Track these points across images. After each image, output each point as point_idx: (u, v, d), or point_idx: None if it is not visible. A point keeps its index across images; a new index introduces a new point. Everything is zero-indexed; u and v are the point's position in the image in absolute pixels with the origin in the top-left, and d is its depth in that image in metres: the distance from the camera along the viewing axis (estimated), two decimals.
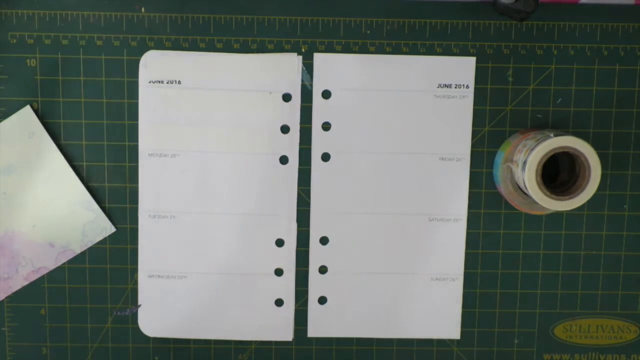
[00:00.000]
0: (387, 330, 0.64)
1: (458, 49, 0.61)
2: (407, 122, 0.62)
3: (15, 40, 0.60)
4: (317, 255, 0.63)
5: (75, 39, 0.60)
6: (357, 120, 0.62)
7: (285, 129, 0.61)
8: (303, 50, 0.61)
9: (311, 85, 0.61)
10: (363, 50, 0.61)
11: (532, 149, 0.55)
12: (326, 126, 0.62)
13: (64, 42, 0.60)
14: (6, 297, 0.63)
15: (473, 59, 0.61)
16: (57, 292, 0.63)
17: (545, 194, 0.55)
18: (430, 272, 0.63)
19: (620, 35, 0.61)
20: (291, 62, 0.61)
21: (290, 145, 0.62)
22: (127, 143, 0.62)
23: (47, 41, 0.60)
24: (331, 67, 0.61)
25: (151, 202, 0.62)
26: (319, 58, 0.61)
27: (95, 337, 0.64)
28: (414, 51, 0.61)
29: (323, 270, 0.63)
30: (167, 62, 0.60)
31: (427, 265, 0.63)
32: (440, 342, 0.65)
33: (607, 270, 0.64)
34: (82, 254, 0.63)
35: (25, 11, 0.60)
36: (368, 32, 0.61)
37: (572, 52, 0.61)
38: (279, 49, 0.61)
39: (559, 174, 0.60)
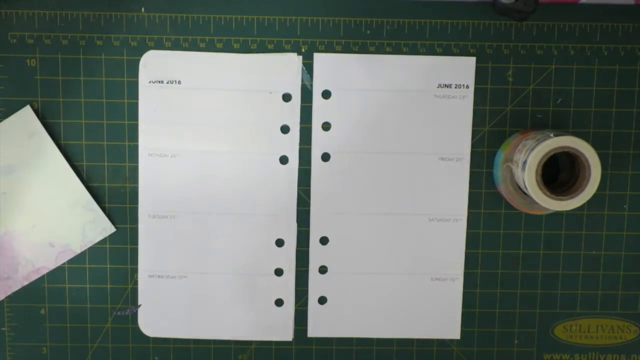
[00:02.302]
0: (387, 330, 0.64)
1: (458, 49, 0.61)
2: (407, 122, 0.62)
3: (15, 40, 0.60)
4: (317, 255, 0.63)
5: (75, 39, 0.60)
6: (357, 120, 0.62)
7: (285, 129, 0.61)
8: (303, 50, 0.61)
9: (311, 86, 0.61)
10: (363, 50, 0.61)
11: (532, 149, 0.55)
12: (326, 126, 0.62)
13: (64, 42, 0.60)
14: (6, 297, 0.63)
15: (473, 59, 0.61)
16: (57, 292, 0.63)
17: (545, 194, 0.55)
18: (430, 272, 0.63)
19: (620, 35, 0.61)
20: (291, 62, 0.61)
21: (290, 145, 0.62)
22: (127, 143, 0.62)
23: (47, 41, 0.60)
24: (331, 67, 0.61)
25: (151, 202, 0.62)
26: (319, 58, 0.61)
27: (95, 337, 0.64)
28: (413, 51, 0.61)
29: (323, 270, 0.63)
30: (167, 62, 0.60)
31: (427, 265, 0.63)
32: (440, 342, 0.65)
33: (607, 270, 0.64)
34: (82, 254, 0.63)
35: (25, 11, 0.60)
36: (368, 32, 0.61)
37: (572, 52, 0.61)
38: (279, 49, 0.61)
39: (559, 174, 0.60)
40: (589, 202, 0.55)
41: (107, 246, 0.63)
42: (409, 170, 0.62)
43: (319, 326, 0.64)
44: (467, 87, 0.61)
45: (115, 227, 0.63)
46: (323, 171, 0.62)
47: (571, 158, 0.56)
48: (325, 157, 0.62)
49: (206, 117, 0.61)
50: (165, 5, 0.60)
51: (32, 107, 0.61)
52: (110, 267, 0.63)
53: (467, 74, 0.61)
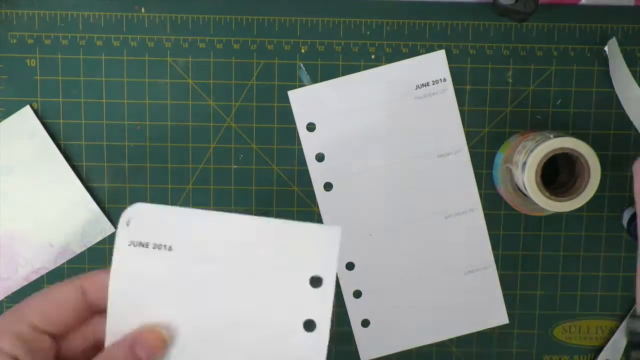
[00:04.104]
0: (439, 333, 0.64)
1: (458, 50, 0.61)
2: (396, 131, 0.61)
3: (15, 40, 0.61)
4: (347, 281, 0.63)
5: (75, 39, 0.60)
6: (348, 143, 0.61)
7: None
8: (302, 50, 0.61)
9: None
10: (363, 51, 0.61)
11: (532, 150, 0.55)
12: (320, 157, 0.62)
13: (64, 42, 0.61)
14: (5, 297, 0.63)
15: (442, 52, 0.61)
16: None
17: (545, 195, 0.55)
18: (462, 267, 0.63)
19: (620, 37, 0.61)
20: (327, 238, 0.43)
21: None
22: (126, 143, 0.62)
23: (47, 41, 0.61)
24: (307, 100, 0.61)
25: None
26: (293, 95, 0.61)
27: None
28: (413, 52, 0.61)
29: (357, 294, 0.63)
30: (158, 221, 0.43)
31: (456, 262, 0.63)
32: (440, 343, 0.64)
33: (607, 272, 0.64)
34: (82, 254, 0.63)
35: (25, 11, 0.60)
36: (368, 32, 0.61)
37: (572, 54, 0.61)
38: (279, 49, 0.61)
39: (558, 175, 0.60)
40: (589, 203, 0.55)
41: (107, 246, 0.63)
42: (412, 176, 0.62)
43: (369, 349, 0.64)
44: (444, 80, 0.61)
45: (115, 228, 0.63)
46: (329, 200, 0.62)
47: (571, 159, 0.56)
48: (328, 186, 0.62)
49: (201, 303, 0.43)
50: (165, 6, 0.60)
51: (32, 107, 0.61)
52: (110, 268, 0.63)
53: (441, 68, 0.61)
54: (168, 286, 0.43)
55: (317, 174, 0.62)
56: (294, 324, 0.42)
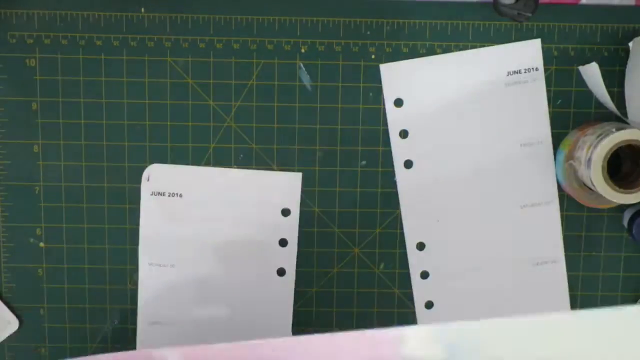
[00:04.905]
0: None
1: (458, 50, 0.61)
2: (482, 115, 0.61)
3: (15, 40, 0.61)
4: (416, 261, 0.63)
5: (75, 39, 0.60)
6: (433, 122, 0.61)
7: (283, 242, 0.62)
8: (302, 50, 0.61)
9: (311, 87, 0.61)
10: (363, 51, 0.61)
11: (595, 146, 0.54)
12: (403, 134, 0.61)
13: (64, 42, 0.61)
14: (5, 298, 0.63)
15: (538, 41, 0.61)
16: (56, 293, 0.63)
17: (614, 189, 0.54)
18: (531, 258, 0.63)
19: (620, 36, 0.61)
20: (291, 180, 0.62)
21: (288, 258, 0.62)
22: (126, 143, 0.62)
23: (47, 41, 0.60)
24: (398, 74, 0.61)
25: (151, 308, 0.63)
26: (385, 68, 0.61)
27: (94, 337, 0.64)
28: (413, 52, 0.61)
29: (425, 275, 0.63)
30: (170, 176, 0.62)
31: (525, 252, 0.63)
32: None
33: (607, 272, 0.64)
34: (82, 254, 0.63)
35: (25, 11, 0.60)
36: (368, 32, 0.61)
37: (572, 54, 0.61)
38: (279, 49, 0.61)
39: (620, 163, 0.60)
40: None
41: (106, 246, 0.63)
42: (492, 160, 0.61)
43: None
44: (537, 69, 0.61)
45: (114, 228, 0.63)
46: (408, 178, 0.62)
47: (633, 149, 0.56)
48: (408, 164, 0.62)
49: (206, 229, 0.62)
50: (165, 5, 0.60)
51: (31, 107, 0.61)
52: (110, 268, 0.63)
53: (535, 57, 0.61)
54: (178, 221, 0.62)
55: (399, 150, 0.62)
56: (272, 242, 0.62)
